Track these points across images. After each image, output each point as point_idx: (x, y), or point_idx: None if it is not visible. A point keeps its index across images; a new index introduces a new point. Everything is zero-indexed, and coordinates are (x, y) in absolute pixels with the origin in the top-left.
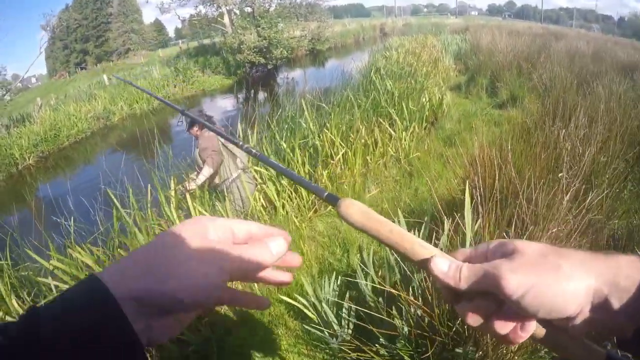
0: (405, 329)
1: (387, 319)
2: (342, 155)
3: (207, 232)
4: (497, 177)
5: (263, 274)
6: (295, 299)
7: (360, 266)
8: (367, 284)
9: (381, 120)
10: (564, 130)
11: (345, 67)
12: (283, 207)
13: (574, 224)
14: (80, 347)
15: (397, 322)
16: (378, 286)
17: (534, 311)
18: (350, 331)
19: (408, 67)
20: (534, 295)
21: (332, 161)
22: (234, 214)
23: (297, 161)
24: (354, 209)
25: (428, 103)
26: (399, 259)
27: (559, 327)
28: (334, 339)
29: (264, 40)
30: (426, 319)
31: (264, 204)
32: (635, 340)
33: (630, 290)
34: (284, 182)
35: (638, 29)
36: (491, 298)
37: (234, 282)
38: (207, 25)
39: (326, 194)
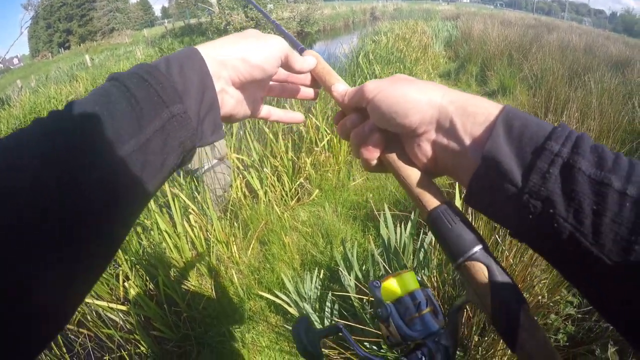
0: None
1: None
2: (327, 141)
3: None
4: None
5: (295, 90)
6: (276, 295)
7: (343, 261)
8: (350, 282)
9: None
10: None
11: (333, 50)
12: (266, 194)
13: None
14: (178, 71)
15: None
16: (361, 285)
17: (381, 112)
18: None
19: (397, 53)
20: (384, 96)
21: (316, 148)
22: (213, 203)
23: (280, 147)
24: (315, 54)
25: None
26: (384, 252)
27: (409, 156)
28: None
29: (251, 22)
30: None
31: (246, 192)
32: (473, 184)
33: (476, 117)
34: (267, 169)
35: (629, 24)
36: (360, 113)
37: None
38: (194, 4)
39: (300, 47)
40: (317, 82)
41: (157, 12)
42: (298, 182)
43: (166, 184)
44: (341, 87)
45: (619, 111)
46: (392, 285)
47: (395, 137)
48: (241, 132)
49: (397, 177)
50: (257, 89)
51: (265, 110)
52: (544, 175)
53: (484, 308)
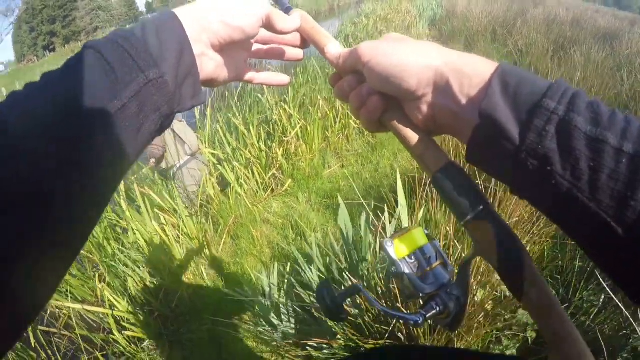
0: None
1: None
2: (300, 129)
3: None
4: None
5: (281, 52)
6: (239, 293)
7: (302, 256)
8: (312, 276)
9: None
10: None
11: None
12: (240, 187)
13: None
14: (157, 37)
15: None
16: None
17: (377, 77)
18: (293, 325)
19: (377, 35)
20: (379, 61)
21: (285, 138)
22: (185, 200)
23: (253, 139)
24: (302, 14)
25: None
26: (344, 245)
27: (409, 118)
28: (276, 333)
29: None
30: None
31: (216, 187)
32: (473, 142)
33: (472, 78)
34: (239, 163)
35: None
36: (357, 76)
37: None
38: None
39: (287, 6)
40: (307, 42)
41: (142, 7)
42: (271, 173)
43: (136, 184)
44: (334, 49)
45: (605, 84)
46: (403, 243)
47: (395, 98)
48: (215, 127)
49: (398, 138)
50: (239, 51)
51: (249, 74)
52: (541, 133)
53: (490, 262)
